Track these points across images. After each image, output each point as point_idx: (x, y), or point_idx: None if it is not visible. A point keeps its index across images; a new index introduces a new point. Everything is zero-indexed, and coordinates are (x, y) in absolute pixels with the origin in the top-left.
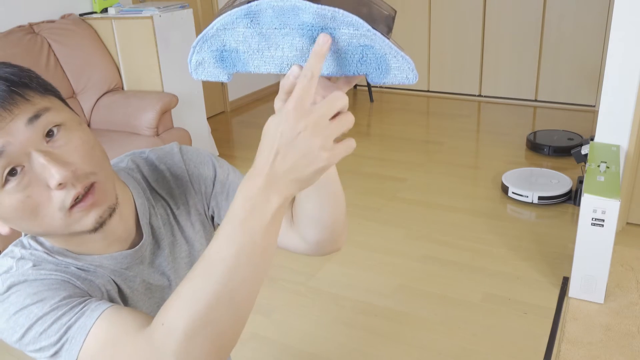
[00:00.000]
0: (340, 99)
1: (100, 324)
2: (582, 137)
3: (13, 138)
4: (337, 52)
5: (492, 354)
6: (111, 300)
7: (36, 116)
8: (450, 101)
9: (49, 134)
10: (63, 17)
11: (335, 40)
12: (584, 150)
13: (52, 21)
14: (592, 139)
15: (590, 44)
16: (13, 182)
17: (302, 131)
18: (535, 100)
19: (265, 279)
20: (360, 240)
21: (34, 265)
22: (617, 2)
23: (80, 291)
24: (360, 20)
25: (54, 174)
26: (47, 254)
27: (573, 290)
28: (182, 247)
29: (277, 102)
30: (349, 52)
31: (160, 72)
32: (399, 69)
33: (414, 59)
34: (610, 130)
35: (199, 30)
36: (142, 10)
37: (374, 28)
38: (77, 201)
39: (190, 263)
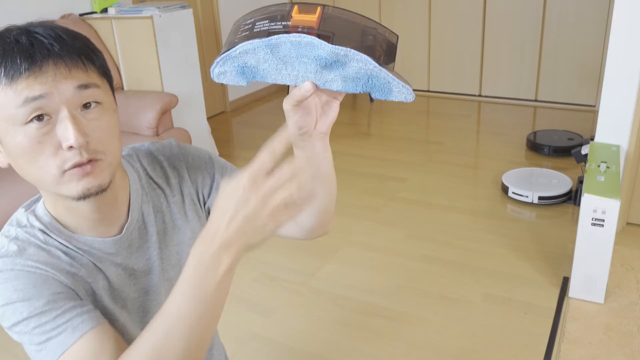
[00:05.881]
0: (288, 176)
1: (81, 343)
2: (582, 137)
3: (57, 92)
4: (348, 76)
5: (492, 354)
6: (95, 290)
7: (86, 86)
8: (450, 101)
9: (87, 105)
10: (63, 17)
11: (346, 68)
12: (584, 150)
13: (52, 21)
14: (592, 139)
15: (590, 44)
16: (35, 126)
17: (253, 203)
18: (535, 100)
19: (265, 278)
20: (360, 240)
21: (23, 250)
22: (617, 2)
23: (65, 289)
24: (369, 59)
25: (70, 137)
26: (43, 231)
27: (573, 290)
28: (173, 235)
29: (286, 104)
30: (357, 77)
31: (160, 72)
32: (399, 92)
33: (414, 58)
34: (610, 130)
35: (199, 30)
36: (142, 10)
37: (378, 63)
38: (73, 166)
39: (179, 251)
